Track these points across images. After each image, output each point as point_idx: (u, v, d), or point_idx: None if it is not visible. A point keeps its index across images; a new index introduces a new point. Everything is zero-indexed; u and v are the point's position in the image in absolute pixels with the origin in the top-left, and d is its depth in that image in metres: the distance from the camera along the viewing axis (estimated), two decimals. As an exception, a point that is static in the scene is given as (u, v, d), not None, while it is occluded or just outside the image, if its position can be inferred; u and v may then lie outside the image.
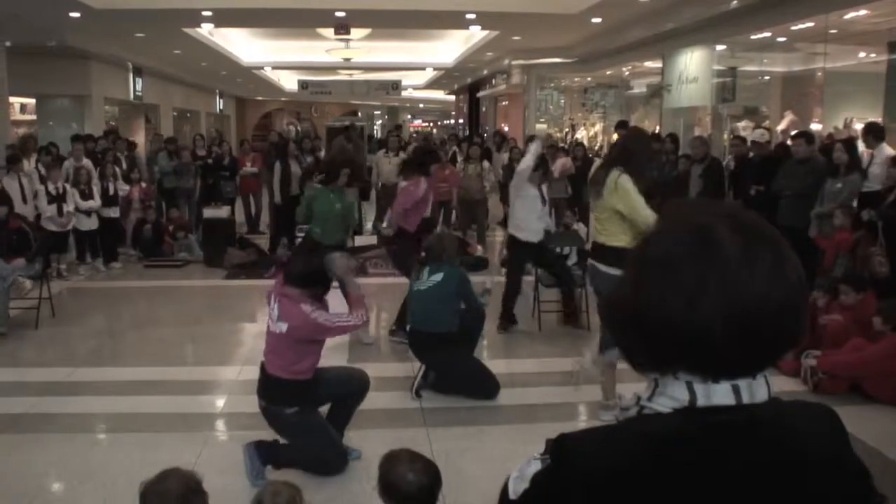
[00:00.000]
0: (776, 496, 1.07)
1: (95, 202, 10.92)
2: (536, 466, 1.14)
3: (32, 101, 19.91)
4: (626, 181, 5.21)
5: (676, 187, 10.46)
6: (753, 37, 13.54)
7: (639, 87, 21.33)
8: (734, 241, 1.06)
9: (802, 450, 1.10)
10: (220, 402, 6.03)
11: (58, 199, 10.37)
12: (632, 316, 1.11)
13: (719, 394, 1.08)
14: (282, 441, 4.66)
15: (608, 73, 21.12)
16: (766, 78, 15.63)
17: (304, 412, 4.62)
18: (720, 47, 14.72)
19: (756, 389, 1.10)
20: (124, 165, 12.81)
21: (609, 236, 5.32)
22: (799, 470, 1.09)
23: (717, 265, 1.05)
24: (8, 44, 14.51)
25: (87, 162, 11.60)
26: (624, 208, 5.19)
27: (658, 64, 17.05)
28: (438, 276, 6.07)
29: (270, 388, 4.61)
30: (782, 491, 1.07)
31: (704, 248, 1.06)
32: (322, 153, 15.29)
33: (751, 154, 10.21)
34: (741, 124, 15.08)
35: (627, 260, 1.19)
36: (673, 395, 1.10)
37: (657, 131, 14.59)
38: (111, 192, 11.46)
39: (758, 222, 1.11)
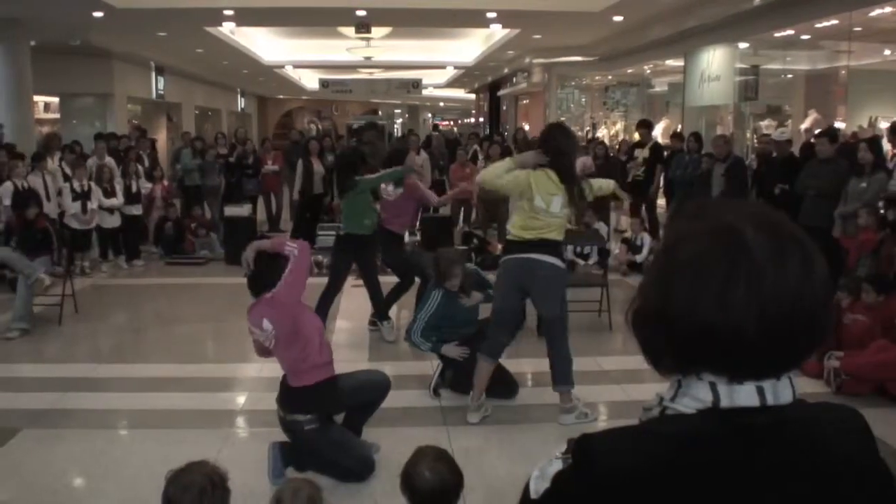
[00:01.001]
0: (800, 499, 1.06)
1: (118, 200, 11.00)
2: (558, 466, 1.14)
3: (56, 99, 20.08)
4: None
5: (699, 186, 10.41)
6: (776, 34, 13.45)
7: (660, 86, 21.26)
8: (762, 240, 1.05)
9: (828, 452, 1.09)
10: (241, 399, 6.05)
11: (82, 196, 10.45)
12: (659, 318, 1.10)
13: (743, 395, 1.07)
14: None
15: (629, 71, 21.04)
16: (790, 76, 15.53)
17: (322, 426, 4.55)
18: (743, 45, 14.63)
19: (781, 391, 1.08)
20: (147, 163, 12.89)
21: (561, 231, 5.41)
22: (824, 473, 1.08)
23: (746, 265, 1.04)
24: (32, 43, 14.62)
25: (110, 160, 11.70)
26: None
27: (680, 62, 16.96)
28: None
29: (291, 398, 4.55)
30: (807, 494, 1.06)
31: (733, 248, 1.05)
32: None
33: (774, 154, 10.15)
34: (764, 123, 14.99)
35: (653, 261, 1.18)
36: (696, 395, 1.09)
37: (679, 130, 14.52)
38: (134, 189, 11.54)
39: (784, 222, 1.10)
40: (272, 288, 4.37)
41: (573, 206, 5.48)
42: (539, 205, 5.23)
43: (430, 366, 6.40)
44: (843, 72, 13.02)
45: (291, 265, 4.38)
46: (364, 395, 4.85)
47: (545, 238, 5.28)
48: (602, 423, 5.60)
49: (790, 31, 13.17)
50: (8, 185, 9.73)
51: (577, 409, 5.48)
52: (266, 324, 4.38)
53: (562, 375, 5.46)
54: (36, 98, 16.80)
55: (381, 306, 7.68)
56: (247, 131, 19.04)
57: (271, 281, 4.37)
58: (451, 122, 51.43)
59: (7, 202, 9.58)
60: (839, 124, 12.39)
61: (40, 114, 19.54)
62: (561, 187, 5.24)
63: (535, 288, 5.40)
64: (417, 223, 7.84)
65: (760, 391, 1.07)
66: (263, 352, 4.65)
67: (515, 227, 5.36)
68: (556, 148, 5.34)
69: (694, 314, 1.05)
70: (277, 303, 4.38)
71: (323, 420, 4.58)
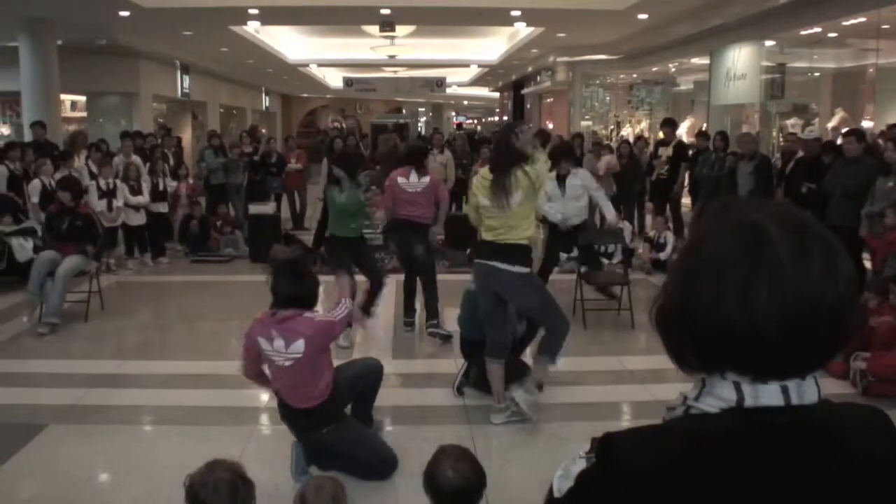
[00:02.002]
0: (824, 498, 1.05)
1: (144, 198, 11.08)
2: (582, 465, 1.14)
3: (83, 98, 20.25)
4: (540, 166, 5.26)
5: (725, 185, 10.36)
6: (803, 32, 13.34)
7: (685, 84, 21.14)
8: (786, 239, 1.04)
9: (852, 452, 1.08)
10: (265, 397, 6.06)
11: (108, 194, 10.53)
12: (682, 316, 1.09)
13: (768, 394, 1.07)
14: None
15: (654, 69, 20.93)
16: (816, 74, 15.40)
17: (339, 426, 4.56)
18: (769, 43, 14.53)
19: (805, 390, 1.08)
20: (172, 162, 12.97)
21: (520, 231, 5.27)
22: (848, 472, 1.07)
23: (769, 264, 1.03)
24: (59, 42, 14.75)
25: (136, 158, 11.78)
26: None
27: (705, 60, 16.86)
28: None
29: (303, 420, 4.52)
30: (832, 495, 1.05)
31: (756, 246, 1.05)
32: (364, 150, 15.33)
33: (800, 153, 10.07)
34: (790, 122, 14.88)
35: (677, 259, 1.17)
36: (720, 395, 1.09)
37: (704, 128, 14.44)
38: (160, 188, 11.62)
39: (808, 221, 1.09)
40: (306, 306, 4.39)
41: (499, 194, 5.20)
42: (484, 202, 5.28)
43: (455, 364, 6.41)
44: (871, 70, 12.89)
45: (341, 312, 4.52)
46: (363, 382, 4.87)
47: (506, 241, 5.24)
48: (625, 422, 5.57)
49: (817, 29, 13.06)
50: (36, 182, 9.84)
51: (509, 409, 5.43)
52: (300, 345, 4.27)
53: (553, 348, 5.48)
54: (63, 97, 16.96)
55: (406, 303, 7.74)
56: (267, 130, 19.09)
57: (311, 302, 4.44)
58: (475, 121, 51.40)
59: (35, 200, 9.69)
60: (866, 123, 12.28)
61: (67, 112, 19.74)
62: (489, 177, 5.26)
63: (504, 295, 5.41)
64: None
65: (785, 391, 1.07)
66: (256, 375, 4.65)
67: (482, 229, 5.42)
68: (495, 143, 5.49)
69: (715, 313, 1.05)
70: (323, 325, 4.38)
71: (341, 423, 4.60)
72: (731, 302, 1.04)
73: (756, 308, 1.02)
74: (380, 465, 4.61)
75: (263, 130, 27.19)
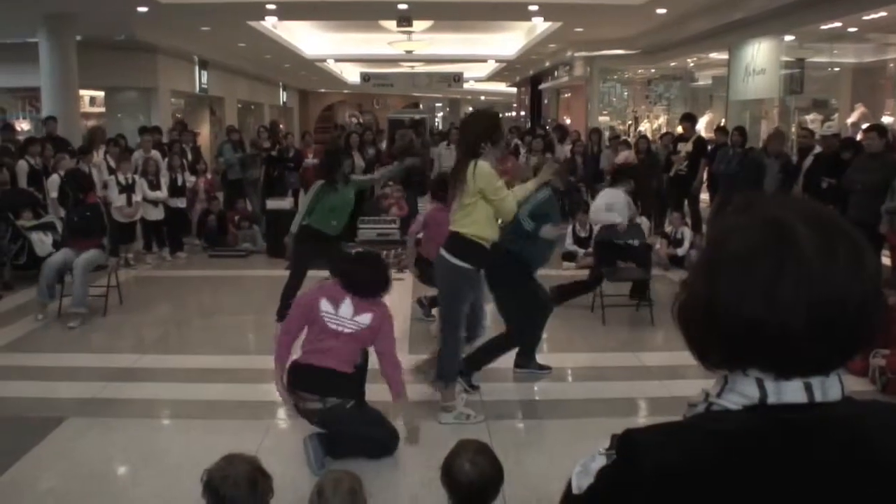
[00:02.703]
0: (847, 497, 1.04)
1: (163, 193, 11.13)
2: (601, 461, 1.13)
3: (101, 93, 20.33)
4: (483, 166, 5.16)
5: (748, 181, 10.30)
6: (823, 27, 13.24)
7: (704, 80, 21.04)
8: (811, 235, 1.03)
9: (877, 451, 1.07)
10: (282, 391, 6.09)
11: (126, 189, 10.58)
12: (707, 313, 1.09)
13: (791, 391, 1.06)
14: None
15: (672, 64, 20.85)
16: (836, 69, 15.30)
17: (361, 403, 4.70)
18: (788, 38, 14.44)
19: (829, 387, 1.07)
20: (190, 157, 13.02)
21: (469, 226, 5.21)
22: (872, 472, 1.05)
23: (795, 260, 1.02)
24: (78, 38, 14.83)
25: (155, 153, 11.82)
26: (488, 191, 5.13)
27: (724, 55, 16.78)
28: None
29: (328, 382, 4.60)
30: (854, 493, 1.04)
31: (782, 242, 1.04)
32: (383, 145, 15.34)
33: (816, 148, 10.02)
34: (809, 117, 14.79)
35: (699, 254, 1.17)
36: (743, 391, 1.08)
37: (723, 124, 14.37)
38: (178, 183, 11.66)
39: (833, 217, 1.09)
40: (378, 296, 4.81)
41: (458, 188, 5.22)
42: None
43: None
44: (892, 65, 12.83)
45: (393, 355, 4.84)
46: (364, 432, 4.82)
47: (451, 229, 5.30)
48: (643, 419, 5.56)
49: (837, 24, 12.96)
50: (54, 177, 9.89)
51: (455, 408, 5.39)
52: (366, 318, 4.66)
53: (439, 370, 5.47)
54: (82, 92, 17.04)
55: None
56: (285, 125, 19.12)
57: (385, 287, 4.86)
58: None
59: (54, 195, 9.74)
60: (887, 118, 12.20)
61: (86, 107, 19.82)
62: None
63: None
64: None
65: (808, 388, 1.06)
66: (292, 334, 4.81)
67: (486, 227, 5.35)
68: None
69: (741, 309, 1.04)
70: (387, 324, 4.78)
71: (361, 398, 4.75)
72: (758, 299, 1.03)
73: (783, 305, 1.02)
74: (393, 441, 4.73)
75: (282, 126, 27.27)
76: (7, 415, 5.50)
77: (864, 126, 10.55)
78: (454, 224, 5.26)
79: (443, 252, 5.28)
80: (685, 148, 12.39)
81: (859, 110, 13.41)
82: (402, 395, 4.86)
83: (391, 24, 17.35)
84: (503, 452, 3.24)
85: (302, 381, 4.66)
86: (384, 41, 20.77)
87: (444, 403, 5.41)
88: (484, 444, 3.03)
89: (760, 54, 14.97)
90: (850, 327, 1.04)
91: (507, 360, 6.26)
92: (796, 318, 1.01)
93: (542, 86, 29.47)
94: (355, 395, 4.67)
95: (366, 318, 4.64)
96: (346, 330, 4.64)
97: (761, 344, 1.04)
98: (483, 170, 5.06)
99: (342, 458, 4.57)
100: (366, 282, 4.79)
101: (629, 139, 15.88)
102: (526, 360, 6.31)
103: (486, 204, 5.12)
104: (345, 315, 4.65)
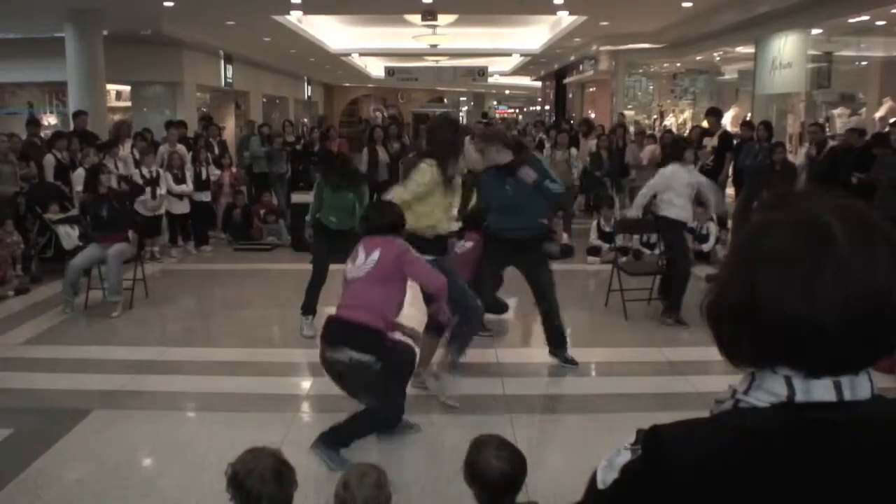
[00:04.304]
0: (875, 495, 1.03)
1: (188, 187, 11.19)
2: (626, 457, 1.12)
3: (127, 88, 20.46)
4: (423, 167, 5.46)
5: (782, 177, 10.25)
6: (851, 20, 13.08)
7: (730, 73, 20.87)
8: (849, 234, 1.02)
9: None
10: (307, 384, 6.12)
11: (150, 182, 10.65)
12: (741, 310, 1.07)
13: (819, 389, 1.05)
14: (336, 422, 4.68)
15: (698, 58, 20.67)
16: (864, 63, 15.13)
17: (383, 369, 4.60)
18: (816, 31, 14.28)
19: (858, 386, 1.06)
20: (216, 151, 13.08)
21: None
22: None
23: (832, 258, 1.01)
24: (105, 32, 14.92)
25: (181, 147, 11.89)
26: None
27: (750, 49, 16.63)
28: None
29: (354, 334, 4.56)
30: (882, 492, 1.03)
31: (819, 240, 1.03)
32: (406, 139, 15.35)
33: (830, 143, 9.97)
34: (836, 111, 14.66)
35: (731, 251, 1.16)
36: (771, 389, 1.07)
37: (749, 118, 14.25)
38: (203, 177, 11.73)
39: (869, 214, 1.07)
40: (393, 235, 4.86)
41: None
42: None
43: (496, 354, 6.42)
44: (922, 59, 12.66)
45: (434, 275, 4.91)
46: (400, 358, 4.92)
47: None
48: (667, 414, 5.51)
49: (865, 17, 12.80)
50: (80, 171, 9.97)
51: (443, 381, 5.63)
52: (375, 255, 4.71)
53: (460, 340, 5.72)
54: (108, 86, 17.15)
55: None
56: (309, 119, 19.16)
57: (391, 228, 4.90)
58: (516, 111, 51.19)
59: (79, 188, 9.82)
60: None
61: (112, 102, 19.94)
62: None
63: None
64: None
65: (837, 386, 1.05)
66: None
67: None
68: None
69: (777, 307, 1.03)
70: (399, 251, 4.76)
71: (384, 366, 4.66)
72: (794, 297, 1.02)
73: (819, 303, 1.01)
74: (398, 414, 4.77)
75: (305, 121, 27.34)
76: (35, 406, 5.57)
77: (893, 120, 10.45)
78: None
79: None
80: (711, 142, 12.32)
81: (887, 104, 13.26)
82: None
83: (416, 18, 17.33)
84: (527, 447, 3.23)
85: (330, 334, 4.67)
86: (409, 35, 20.76)
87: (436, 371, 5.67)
88: (500, 437, 3.03)
89: (787, 48, 14.82)
90: (886, 327, 1.03)
91: (534, 354, 6.25)
92: (834, 318, 1.00)
93: (567, 80, 29.36)
94: (381, 351, 4.60)
95: (375, 255, 4.71)
96: (361, 274, 4.71)
97: (798, 342, 1.03)
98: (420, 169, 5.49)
99: (352, 442, 4.59)
100: (372, 220, 4.96)
101: (655, 133, 15.83)
102: (558, 350, 6.36)
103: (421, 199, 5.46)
104: (359, 262, 4.75)
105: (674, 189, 7.54)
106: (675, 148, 8.16)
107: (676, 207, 7.56)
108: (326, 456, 4.51)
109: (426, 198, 5.48)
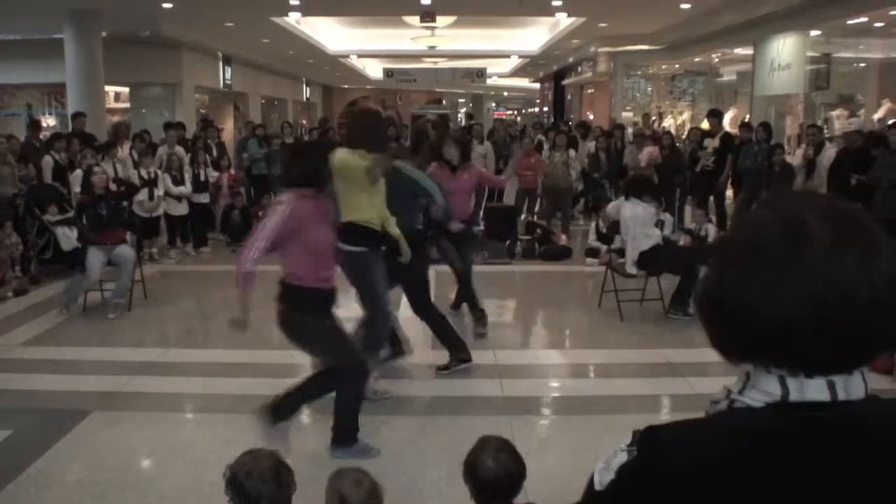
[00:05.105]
0: (869, 495, 1.04)
1: (186, 188, 11.19)
2: (623, 458, 1.13)
3: (126, 89, 20.46)
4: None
5: (783, 178, 10.27)
6: (849, 22, 13.11)
7: (728, 75, 20.89)
8: (824, 232, 1.02)
9: None
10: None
11: (149, 184, 10.65)
12: (719, 307, 1.09)
13: (813, 389, 1.05)
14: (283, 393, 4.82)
15: (697, 60, 20.71)
16: (863, 65, 15.15)
17: (318, 320, 4.91)
18: (814, 33, 14.31)
19: (852, 385, 1.06)
20: (214, 153, 13.08)
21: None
22: (894, 469, 1.05)
23: (801, 256, 1.02)
24: (104, 34, 14.93)
25: (179, 149, 11.88)
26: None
27: (749, 51, 16.65)
28: None
29: (290, 295, 5.16)
30: (876, 492, 1.04)
31: (791, 238, 1.03)
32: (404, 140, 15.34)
33: (827, 145, 9.98)
34: (835, 113, 14.68)
35: (717, 246, 1.16)
36: (765, 388, 1.08)
37: (747, 120, 14.27)
38: (202, 178, 11.72)
39: (853, 214, 1.07)
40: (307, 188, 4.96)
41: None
42: None
43: (494, 356, 6.41)
44: (920, 60, 12.67)
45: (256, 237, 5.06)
46: (334, 349, 4.94)
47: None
48: (665, 415, 5.54)
49: (864, 19, 12.84)
50: (79, 173, 9.95)
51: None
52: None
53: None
54: (107, 88, 17.16)
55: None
56: (308, 121, 19.16)
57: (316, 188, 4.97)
58: (514, 112, 51.17)
59: (78, 189, 9.81)
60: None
61: (111, 103, 19.95)
62: None
63: None
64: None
65: (831, 385, 1.05)
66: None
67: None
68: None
69: (743, 301, 1.04)
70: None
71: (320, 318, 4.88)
72: (759, 292, 1.03)
73: (783, 300, 1.01)
74: (357, 367, 4.81)
75: (304, 122, 27.33)
76: (34, 407, 5.56)
77: (891, 121, 10.46)
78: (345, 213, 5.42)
79: (341, 246, 5.38)
80: (712, 144, 12.33)
81: (886, 106, 13.28)
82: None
83: (414, 20, 17.34)
84: (525, 448, 3.23)
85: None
86: (407, 37, 20.78)
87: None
88: (505, 439, 3.03)
89: (786, 49, 14.84)
90: (862, 327, 1.03)
91: (533, 356, 6.24)
92: (800, 315, 1.01)
93: (566, 81, 29.38)
94: (299, 307, 5.01)
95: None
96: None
97: (767, 339, 1.04)
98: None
99: (303, 406, 4.78)
100: (292, 175, 5.08)
101: (655, 132, 15.83)
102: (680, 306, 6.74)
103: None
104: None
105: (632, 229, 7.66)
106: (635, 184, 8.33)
107: (650, 239, 7.64)
108: (345, 453, 4.55)
109: (352, 190, 5.34)
